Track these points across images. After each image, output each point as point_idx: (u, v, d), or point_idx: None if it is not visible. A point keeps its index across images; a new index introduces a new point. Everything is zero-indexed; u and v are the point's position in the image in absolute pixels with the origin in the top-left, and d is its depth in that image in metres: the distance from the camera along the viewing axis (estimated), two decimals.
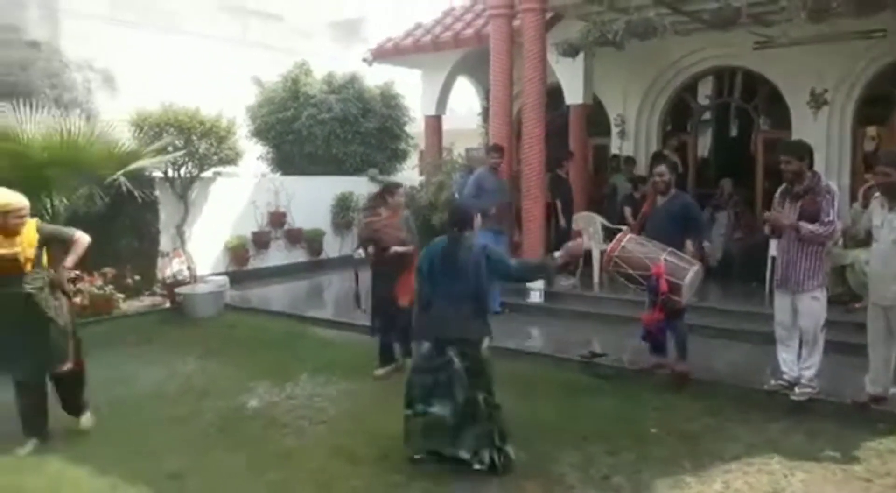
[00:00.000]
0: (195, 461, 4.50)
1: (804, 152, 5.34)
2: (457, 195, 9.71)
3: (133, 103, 10.91)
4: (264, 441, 4.86)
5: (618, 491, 4.07)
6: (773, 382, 5.55)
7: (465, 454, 4.31)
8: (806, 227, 5.15)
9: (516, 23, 9.03)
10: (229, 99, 13.64)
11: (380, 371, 6.38)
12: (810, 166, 5.32)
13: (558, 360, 6.60)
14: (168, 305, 9.22)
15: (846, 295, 7.15)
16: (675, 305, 5.70)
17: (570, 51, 8.09)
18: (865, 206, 7.33)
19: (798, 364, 5.41)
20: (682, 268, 5.67)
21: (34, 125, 8.03)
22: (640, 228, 6.27)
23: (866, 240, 6.74)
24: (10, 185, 8.02)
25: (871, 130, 9.95)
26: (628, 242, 5.89)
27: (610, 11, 8.28)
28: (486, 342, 4.47)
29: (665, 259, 5.67)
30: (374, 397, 5.73)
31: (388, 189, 6.65)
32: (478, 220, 4.86)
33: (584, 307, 8.21)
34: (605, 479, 4.21)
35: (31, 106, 8.12)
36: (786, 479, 4.17)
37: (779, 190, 5.53)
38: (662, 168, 6.18)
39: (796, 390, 5.30)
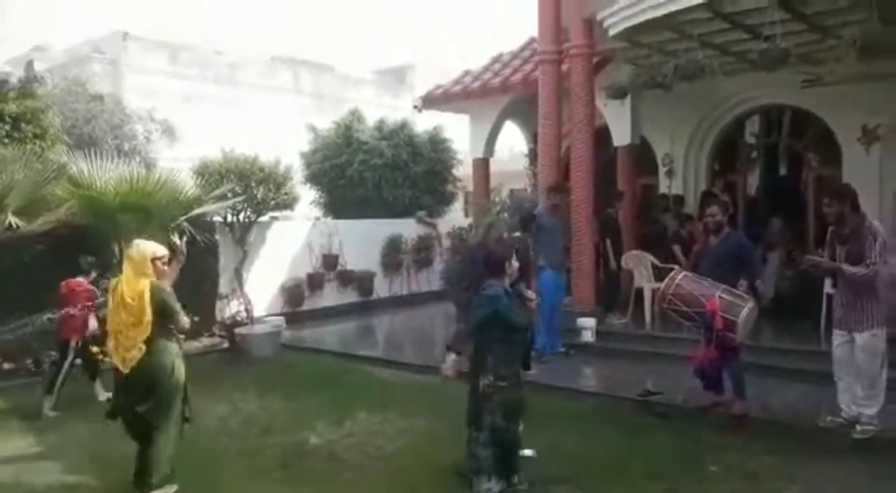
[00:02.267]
0: None
1: (846, 195, 5.44)
2: (504, 235, 9.88)
3: (191, 152, 11.45)
4: (327, 476, 5.00)
5: None
6: (829, 418, 5.50)
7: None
8: (848, 269, 5.25)
9: (564, 67, 9.28)
10: (283, 146, 14.20)
11: None
12: (855, 208, 5.39)
13: (614, 398, 6.62)
14: (226, 345, 9.51)
15: None
16: (730, 342, 5.71)
17: (619, 93, 8.26)
18: None
19: (857, 402, 5.35)
20: (737, 305, 5.70)
21: (104, 172, 8.51)
22: (693, 266, 6.33)
23: None
24: (86, 229, 8.54)
25: None
26: (682, 279, 5.96)
27: (657, 54, 8.45)
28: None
29: (720, 296, 5.71)
30: (432, 435, 5.82)
31: None
32: (511, 266, 4.76)
33: (636, 346, 8.22)
34: None
35: (97, 155, 8.62)
36: None
37: (829, 232, 5.62)
38: (714, 209, 6.27)
39: (858, 427, 5.24)
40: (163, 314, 4.63)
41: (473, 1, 67.99)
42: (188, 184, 9.60)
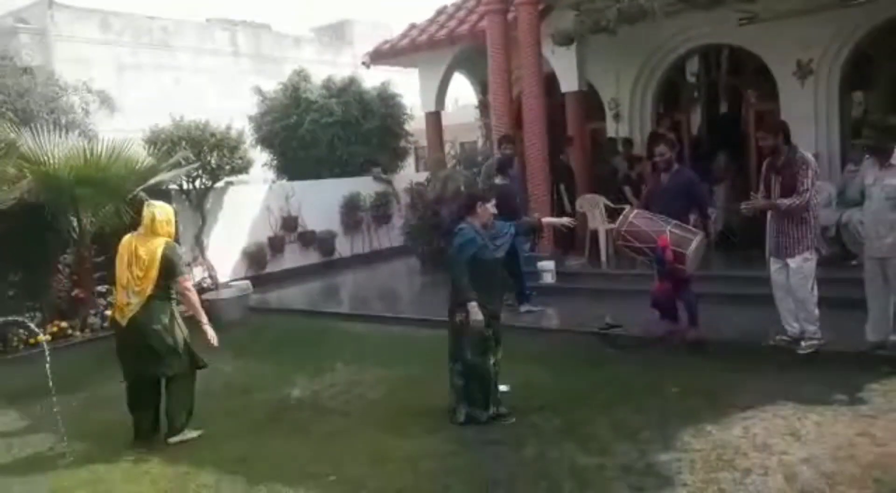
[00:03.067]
0: (255, 447, 4.87)
1: (779, 129, 5.80)
2: (462, 188, 10.12)
3: (133, 122, 11.26)
4: (314, 425, 5.23)
5: (648, 443, 4.43)
6: (777, 337, 5.95)
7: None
8: (783, 202, 5.64)
9: (510, 16, 9.39)
10: (230, 109, 14.03)
11: None
12: (787, 141, 5.75)
13: (577, 334, 6.99)
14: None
15: (841, 253, 7.52)
16: (681, 273, 6.09)
17: (565, 40, 8.45)
18: (856, 167, 7.72)
19: (798, 320, 5.79)
20: (686, 238, 6.06)
21: (55, 147, 8.40)
22: (645, 204, 6.66)
23: (858, 200, 7.17)
24: (41, 206, 8.45)
25: (858, 96, 10.32)
26: (635, 217, 6.28)
27: (598, 0, 8.64)
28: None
29: (670, 231, 6.06)
30: (410, 381, 6.09)
31: None
32: (489, 206, 5.03)
33: (594, 284, 8.60)
34: (635, 434, 4.58)
35: (37, 130, 8.48)
36: (800, 421, 4.54)
37: (764, 163, 6.02)
38: (662, 147, 6.59)
39: (802, 343, 5.69)
40: (168, 273, 4.91)
41: None
42: (141, 154, 9.54)
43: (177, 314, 5.12)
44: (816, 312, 5.67)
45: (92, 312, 8.83)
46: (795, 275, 5.66)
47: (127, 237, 5.08)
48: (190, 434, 5.08)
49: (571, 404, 5.17)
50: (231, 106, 16.07)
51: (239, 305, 9.37)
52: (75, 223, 8.65)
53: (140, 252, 4.89)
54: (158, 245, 4.92)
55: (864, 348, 5.50)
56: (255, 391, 6.21)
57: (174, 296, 5.10)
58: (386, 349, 7.35)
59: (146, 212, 5.06)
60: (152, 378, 5.05)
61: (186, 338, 5.13)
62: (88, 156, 8.32)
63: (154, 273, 4.87)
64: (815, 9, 9.30)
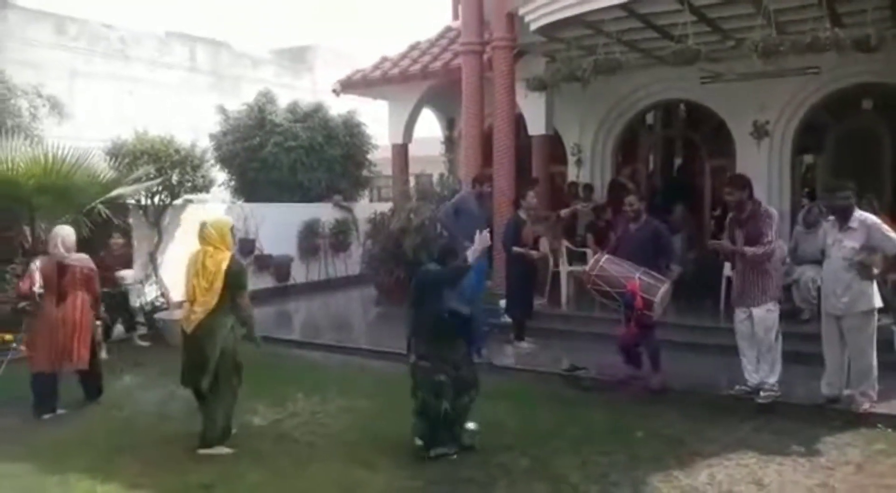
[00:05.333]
0: (220, 474, 4.74)
1: (745, 184, 6.09)
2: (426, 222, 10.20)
3: (83, 130, 10.98)
4: (280, 455, 5.13)
5: (617, 486, 4.51)
6: (737, 387, 6.13)
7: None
8: (748, 250, 5.86)
9: (485, 57, 9.60)
10: (184, 124, 13.85)
11: None
12: (750, 195, 6.04)
13: (540, 374, 7.06)
14: (145, 331, 9.30)
15: (793, 310, 7.83)
16: (647, 320, 6.25)
17: (539, 86, 8.65)
18: (807, 227, 8.09)
19: (759, 371, 6.00)
20: (655, 286, 6.24)
21: (14, 153, 8.12)
22: (613, 250, 6.83)
23: (814, 258, 7.50)
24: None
25: (808, 158, 10.87)
26: (606, 262, 6.44)
27: (574, 49, 8.92)
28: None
29: (639, 277, 6.23)
30: (374, 413, 6.04)
31: None
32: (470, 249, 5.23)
33: (553, 325, 8.70)
34: (604, 477, 4.65)
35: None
36: (762, 470, 4.69)
37: (728, 217, 6.29)
38: (633, 198, 6.84)
39: (761, 393, 5.89)
40: (233, 286, 5.12)
41: None
42: (103, 166, 9.31)
43: (235, 329, 5.27)
44: (780, 363, 5.88)
45: None
46: (760, 325, 5.88)
47: (194, 251, 5.28)
48: (222, 450, 5.16)
49: (539, 443, 5.21)
50: (185, 121, 15.88)
51: None
52: (28, 233, 8.35)
53: (207, 263, 5.10)
54: (224, 259, 5.14)
55: (819, 401, 5.72)
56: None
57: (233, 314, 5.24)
58: (346, 380, 7.26)
59: (203, 231, 5.25)
60: (191, 387, 5.24)
61: (236, 354, 5.29)
62: (50, 164, 8.08)
63: (219, 285, 5.05)
64: (773, 74, 9.79)
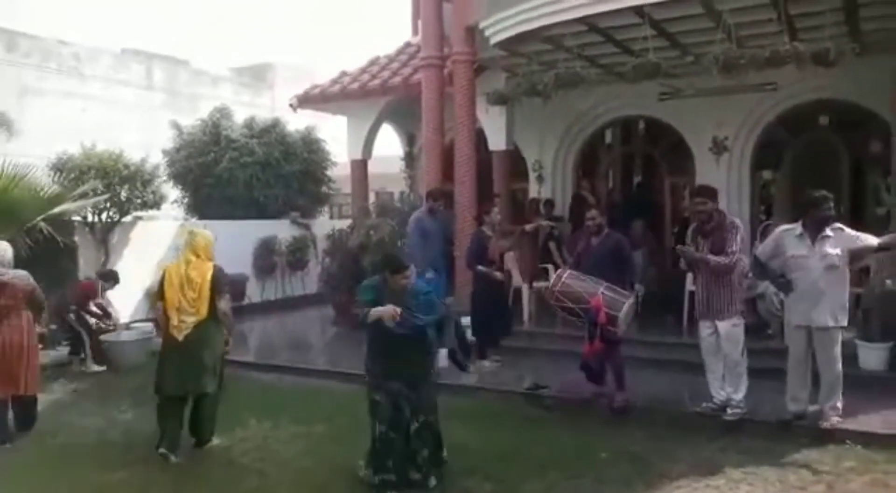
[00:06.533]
0: None
1: (714, 194, 6.04)
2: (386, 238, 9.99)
3: (33, 147, 10.58)
4: (231, 482, 4.84)
5: None
6: (704, 404, 6.00)
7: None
8: (713, 258, 5.74)
9: (445, 71, 9.47)
10: (139, 142, 13.46)
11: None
12: (716, 206, 5.94)
13: (502, 393, 6.84)
14: (89, 354, 8.85)
15: (758, 324, 7.76)
16: (612, 335, 6.09)
17: (500, 100, 8.55)
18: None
19: (724, 388, 5.87)
20: (618, 301, 6.09)
21: None
22: (575, 265, 6.68)
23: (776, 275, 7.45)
24: None
25: (767, 175, 10.94)
26: (568, 277, 6.28)
27: (534, 64, 8.83)
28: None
29: (602, 293, 6.08)
30: (328, 438, 5.75)
31: None
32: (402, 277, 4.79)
33: (515, 342, 8.46)
34: None
35: None
36: (732, 492, 4.52)
37: (691, 228, 6.17)
38: (594, 212, 6.75)
39: (728, 411, 5.76)
40: (218, 292, 5.38)
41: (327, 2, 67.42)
42: (45, 180, 8.93)
43: (221, 335, 5.55)
44: (746, 379, 5.76)
45: None
46: (726, 340, 5.76)
47: (172, 265, 5.50)
48: (216, 441, 5.61)
49: (502, 466, 4.99)
50: (140, 139, 15.43)
51: (140, 348, 8.73)
52: None
53: (192, 275, 5.30)
54: (209, 268, 5.37)
55: (786, 417, 5.60)
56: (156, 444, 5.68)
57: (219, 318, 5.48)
58: (300, 403, 6.94)
59: (193, 239, 5.48)
60: (192, 392, 5.43)
61: (223, 358, 5.62)
62: None
63: (208, 293, 5.30)
64: (732, 90, 9.84)
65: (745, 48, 6.98)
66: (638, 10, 7.17)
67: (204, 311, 5.30)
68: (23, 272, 6.14)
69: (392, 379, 4.63)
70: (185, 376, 5.36)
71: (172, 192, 13.39)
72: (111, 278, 9.12)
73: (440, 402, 5.53)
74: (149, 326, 9.41)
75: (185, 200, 13.62)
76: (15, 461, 5.38)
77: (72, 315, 8.51)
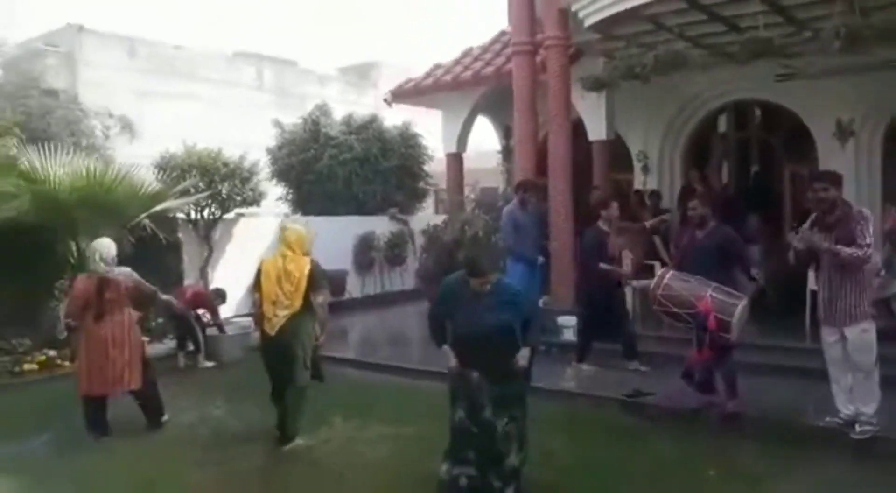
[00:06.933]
0: None
1: (839, 180, 5.27)
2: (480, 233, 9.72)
3: (152, 149, 10.97)
4: (308, 484, 4.72)
5: None
6: (828, 419, 5.35)
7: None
8: (844, 250, 4.98)
9: (538, 59, 9.06)
10: (247, 142, 13.74)
11: None
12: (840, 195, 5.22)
13: (600, 399, 6.40)
14: (192, 348, 9.07)
15: (893, 327, 6.94)
16: (724, 342, 5.54)
17: (596, 85, 8.06)
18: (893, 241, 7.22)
19: (853, 401, 5.21)
20: (730, 304, 5.53)
21: (60, 167, 8.04)
22: (678, 264, 6.14)
23: None
24: (39, 228, 8.04)
25: None
26: (671, 278, 5.77)
27: (633, 46, 8.27)
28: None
29: (711, 295, 5.54)
30: (415, 440, 5.52)
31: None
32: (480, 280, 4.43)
33: (619, 346, 7.99)
34: None
35: (52, 149, 8.15)
36: None
37: (808, 221, 5.32)
38: (695, 202, 6.15)
39: (857, 427, 5.09)
40: (314, 286, 5.41)
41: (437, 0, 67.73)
42: (149, 179, 9.18)
43: (313, 329, 5.59)
44: (878, 391, 5.09)
45: None
46: (856, 349, 5.07)
47: (269, 259, 5.58)
48: (301, 442, 5.51)
49: (595, 483, 4.59)
50: (252, 139, 15.84)
51: (240, 343, 8.88)
52: (74, 247, 8.23)
53: (290, 268, 5.38)
54: (307, 262, 5.45)
55: None
56: (245, 442, 5.65)
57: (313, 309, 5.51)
58: (391, 402, 6.78)
59: (284, 234, 5.60)
60: (285, 384, 5.47)
61: (313, 351, 5.65)
62: (93, 177, 7.96)
63: (304, 287, 5.34)
64: (857, 69, 8.90)
65: (867, 17, 6.16)
66: None
67: (298, 304, 5.35)
68: (126, 269, 6.21)
69: (472, 369, 4.34)
70: (278, 368, 5.46)
71: (275, 189, 13.67)
72: (220, 297, 9.37)
73: (533, 405, 5.21)
74: (247, 321, 9.55)
75: (290, 196, 13.86)
76: (114, 454, 5.46)
77: (191, 312, 8.68)
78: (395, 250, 12.88)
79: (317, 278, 5.46)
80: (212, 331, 8.97)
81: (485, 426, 4.26)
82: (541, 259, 8.25)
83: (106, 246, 6.06)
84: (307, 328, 5.48)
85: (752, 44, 6.78)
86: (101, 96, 16.73)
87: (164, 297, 7.21)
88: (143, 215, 8.58)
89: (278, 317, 5.35)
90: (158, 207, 8.70)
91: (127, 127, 17.19)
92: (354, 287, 12.40)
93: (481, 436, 4.26)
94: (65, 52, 21.66)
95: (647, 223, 9.12)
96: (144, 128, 16.79)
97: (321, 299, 5.49)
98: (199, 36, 53.10)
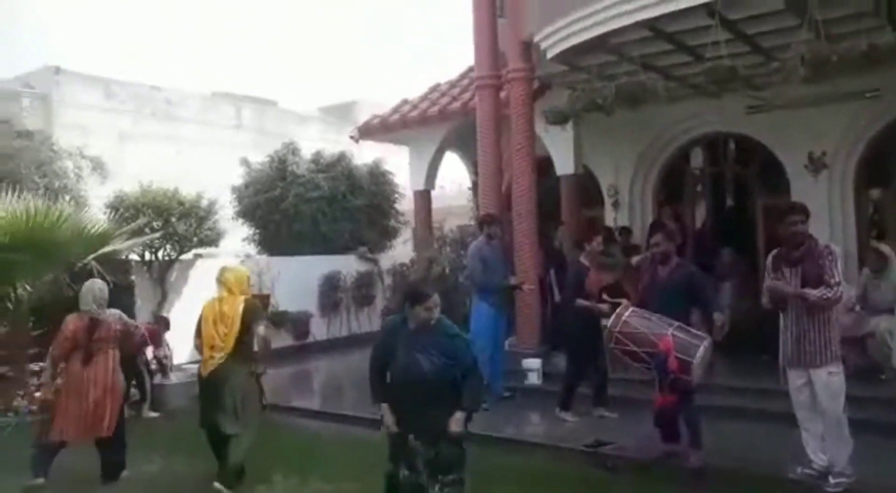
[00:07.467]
0: None
1: (808, 213, 5.00)
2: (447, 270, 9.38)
3: (128, 189, 10.67)
4: None
5: None
6: (799, 470, 4.96)
7: None
8: (812, 293, 4.72)
9: (503, 94, 8.83)
10: (221, 182, 13.44)
11: None
12: None
13: (561, 450, 5.98)
14: (137, 396, 8.60)
15: (868, 367, 6.61)
16: (685, 385, 5.17)
17: (559, 118, 7.80)
18: (875, 272, 6.95)
19: (825, 450, 4.84)
20: (692, 344, 5.18)
21: None
22: (640, 302, 5.80)
23: (883, 307, 6.32)
24: None
25: (875, 193, 9.62)
26: (630, 315, 5.43)
27: (597, 78, 8.05)
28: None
29: (672, 334, 5.19)
30: None
31: None
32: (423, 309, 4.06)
33: (586, 389, 7.59)
34: None
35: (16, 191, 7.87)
36: None
37: (771, 256, 5.12)
38: (658, 237, 5.83)
39: (830, 479, 4.71)
40: (250, 321, 5.33)
41: (418, 38, 68.48)
42: (97, 220, 8.82)
43: (253, 374, 5.59)
44: (849, 438, 4.72)
45: (20, 393, 7.87)
46: (824, 392, 4.73)
47: (208, 302, 5.48)
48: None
49: None
50: (225, 178, 15.57)
51: (187, 392, 8.39)
52: (11, 293, 7.81)
53: (225, 310, 5.33)
54: (240, 302, 5.38)
55: None
56: None
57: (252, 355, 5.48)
58: (339, 456, 6.32)
59: (222, 275, 5.52)
60: (216, 431, 5.35)
61: (254, 399, 5.65)
62: (33, 218, 7.59)
63: (237, 328, 5.26)
64: (827, 100, 8.71)
65: (832, 43, 5.95)
66: (709, 10, 6.31)
67: (230, 345, 5.26)
68: (115, 311, 6.12)
69: (408, 431, 3.95)
70: (208, 413, 5.37)
71: (241, 229, 13.32)
72: (164, 324, 8.91)
73: (487, 458, 4.81)
74: (196, 368, 9.10)
75: (256, 236, 13.51)
76: None
77: (142, 357, 8.26)
78: (362, 291, 12.50)
79: (253, 314, 5.38)
80: (158, 379, 8.52)
81: (418, 490, 3.87)
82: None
83: (99, 287, 5.96)
84: (239, 374, 5.35)
85: (716, 72, 6.55)
86: (78, 137, 16.48)
87: None
88: (91, 257, 8.17)
89: (214, 359, 5.30)
90: (107, 249, 8.31)
91: (99, 167, 16.85)
92: (319, 330, 11.97)
93: None
94: (41, 94, 21.45)
95: (633, 260, 8.78)
96: (122, 168, 16.46)
97: (261, 330, 5.42)
98: (177, 77, 53.20)
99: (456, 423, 3.87)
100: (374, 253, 13.14)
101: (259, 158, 14.02)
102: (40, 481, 5.47)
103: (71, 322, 5.75)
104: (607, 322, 7.03)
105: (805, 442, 4.93)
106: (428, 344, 3.97)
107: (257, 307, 5.57)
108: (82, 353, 5.66)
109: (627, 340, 5.37)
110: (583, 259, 7.02)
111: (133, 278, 9.53)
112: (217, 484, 5.16)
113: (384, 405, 4.08)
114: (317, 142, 18.69)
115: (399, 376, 4.03)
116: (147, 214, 9.38)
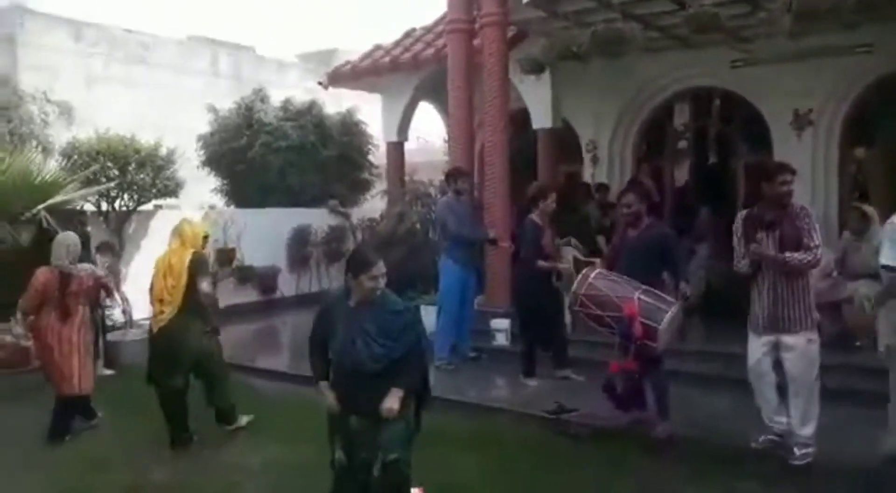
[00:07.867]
0: None
1: (795, 172, 4.71)
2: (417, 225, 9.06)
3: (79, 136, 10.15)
4: None
5: None
6: (761, 438, 4.78)
7: None
8: (794, 257, 4.48)
9: (477, 41, 8.37)
10: (192, 130, 12.92)
11: None
12: None
13: (524, 416, 5.75)
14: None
15: (844, 333, 6.41)
16: (651, 352, 4.93)
17: (534, 66, 7.40)
18: (856, 235, 6.71)
19: (784, 414, 4.64)
20: (659, 309, 4.91)
21: None
22: (610, 263, 5.52)
23: (863, 272, 6.09)
24: None
25: (860, 153, 9.33)
26: (596, 278, 5.14)
27: (575, 27, 7.63)
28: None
29: (639, 298, 4.92)
30: (307, 468, 4.80)
31: None
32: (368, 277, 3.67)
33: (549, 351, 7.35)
34: None
35: None
36: None
37: (741, 217, 4.88)
38: (630, 197, 5.47)
39: (796, 451, 4.50)
40: (193, 275, 5.16)
41: None
42: (47, 168, 8.37)
43: (198, 330, 5.32)
44: (817, 409, 4.52)
45: None
46: (801, 360, 4.50)
47: (162, 255, 5.37)
48: (244, 419, 5.63)
49: None
50: (195, 126, 15.02)
51: (143, 349, 8.07)
52: None
53: (173, 261, 5.22)
54: (188, 255, 5.23)
55: (879, 462, 4.29)
56: (110, 467, 4.94)
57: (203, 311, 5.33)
58: (296, 420, 6.02)
59: (179, 227, 5.41)
60: (175, 387, 5.27)
61: (214, 348, 5.47)
62: None
63: (184, 281, 5.14)
64: (816, 54, 8.37)
65: None
66: None
67: (178, 300, 5.14)
68: (87, 266, 6.09)
69: (349, 412, 3.66)
70: (156, 368, 5.29)
71: (209, 179, 12.85)
72: (109, 249, 8.28)
73: (446, 423, 4.57)
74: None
75: (225, 187, 13.06)
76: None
77: (98, 311, 7.85)
78: (333, 245, 12.13)
79: (198, 267, 5.24)
80: (117, 335, 8.20)
81: (361, 471, 3.60)
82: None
83: (73, 241, 5.81)
84: (190, 330, 5.22)
85: (699, 19, 6.18)
86: (45, 81, 15.79)
87: None
88: (40, 207, 7.75)
89: (164, 314, 5.17)
90: (55, 199, 7.88)
91: (65, 112, 16.16)
92: (288, 285, 11.65)
93: (358, 481, 3.61)
94: (5, 34, 20.52)
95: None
96: (90, 114, 15.80)
97: (204, 285, 5.26)
98: (151, 21, 51.36)
99: (391, 400, 3.56)
100: (345, 207, 12.74)
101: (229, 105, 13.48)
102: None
103: (41, 275, 5.57)
104: (568, 284, 6.84)
105: (762, 408, 4.76)
106: (368, 322, 3.61)
107: (203, 260, 5.39)
108: (57, 309, 5.55)
109: (592, 303, 5.09)
110: (535, 217, 6.65)
111: (89, 229, 9.10)
112: (230, 427, 5.50)
113: (322, 383, 3.77)
114: (294, 90, 18.08)
115: (337, 357, 3.70)
116: (101, 162, 8.90)
